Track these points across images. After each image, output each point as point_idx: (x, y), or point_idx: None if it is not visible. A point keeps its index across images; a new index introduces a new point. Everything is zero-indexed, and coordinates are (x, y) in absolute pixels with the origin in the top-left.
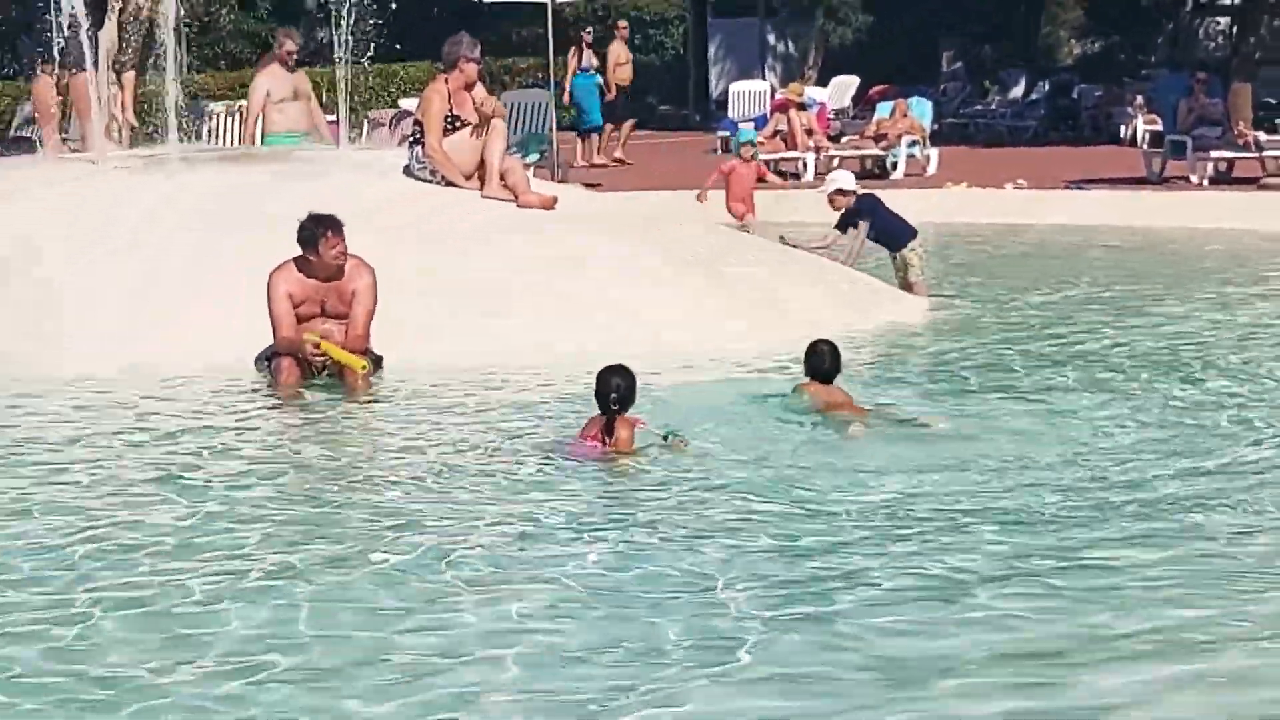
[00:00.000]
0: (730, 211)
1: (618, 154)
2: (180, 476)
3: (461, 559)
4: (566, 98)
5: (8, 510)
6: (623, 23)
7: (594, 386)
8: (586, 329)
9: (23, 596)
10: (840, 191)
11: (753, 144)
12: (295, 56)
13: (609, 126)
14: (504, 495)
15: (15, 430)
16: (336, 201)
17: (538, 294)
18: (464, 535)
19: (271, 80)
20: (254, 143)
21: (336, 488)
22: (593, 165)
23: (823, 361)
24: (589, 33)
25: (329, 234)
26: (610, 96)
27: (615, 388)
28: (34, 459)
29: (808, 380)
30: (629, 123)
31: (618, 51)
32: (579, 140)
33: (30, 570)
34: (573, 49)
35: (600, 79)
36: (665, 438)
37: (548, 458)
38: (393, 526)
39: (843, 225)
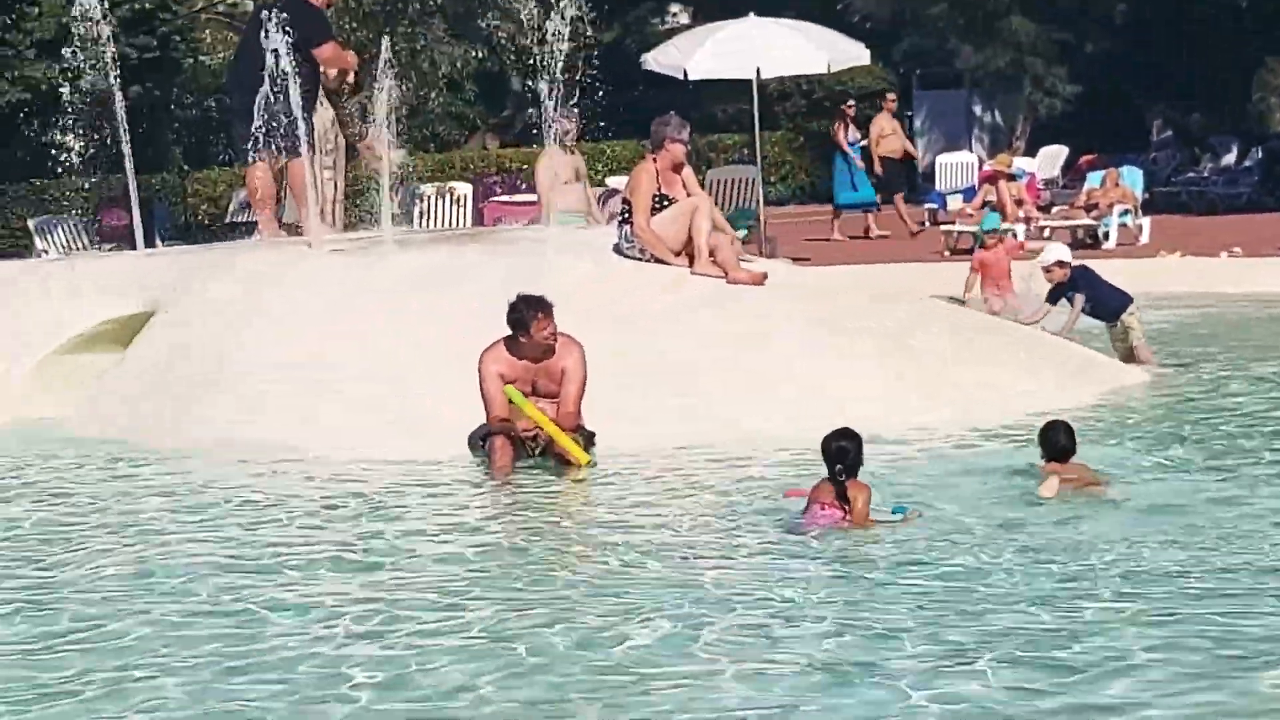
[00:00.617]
0: (986, 300)
1: (913, 226)
2: (403, 555)
3: (720, 638)
4: (872, 165)
5: (245, 583)
6: (890, 95)
7: (820, 453)
8: (786, 405)
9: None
10: (1059, 263)
11: (996, 231)
12: (573, 136)
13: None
14: (748, 569)
15: (228, 505)
16: (542, 281)
17: (729, 370)
18: (717, 613)
19: (553, 160)
20: (547, 223)
21: (573, 568)
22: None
23: (1058, 440)
24: (852, 106)
25: (539, 316)
26: (878, 170)
27: (842, 453)
28: (255, 533)
29: (1046, 463)
30: (899, 195)
31: (882, 124)
32: (832, 214)
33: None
34: (837, 122)
35: (858, 152)
36: (893, 512)
37: (782, 529)
38: (640, 606)
39: (1053, 297)
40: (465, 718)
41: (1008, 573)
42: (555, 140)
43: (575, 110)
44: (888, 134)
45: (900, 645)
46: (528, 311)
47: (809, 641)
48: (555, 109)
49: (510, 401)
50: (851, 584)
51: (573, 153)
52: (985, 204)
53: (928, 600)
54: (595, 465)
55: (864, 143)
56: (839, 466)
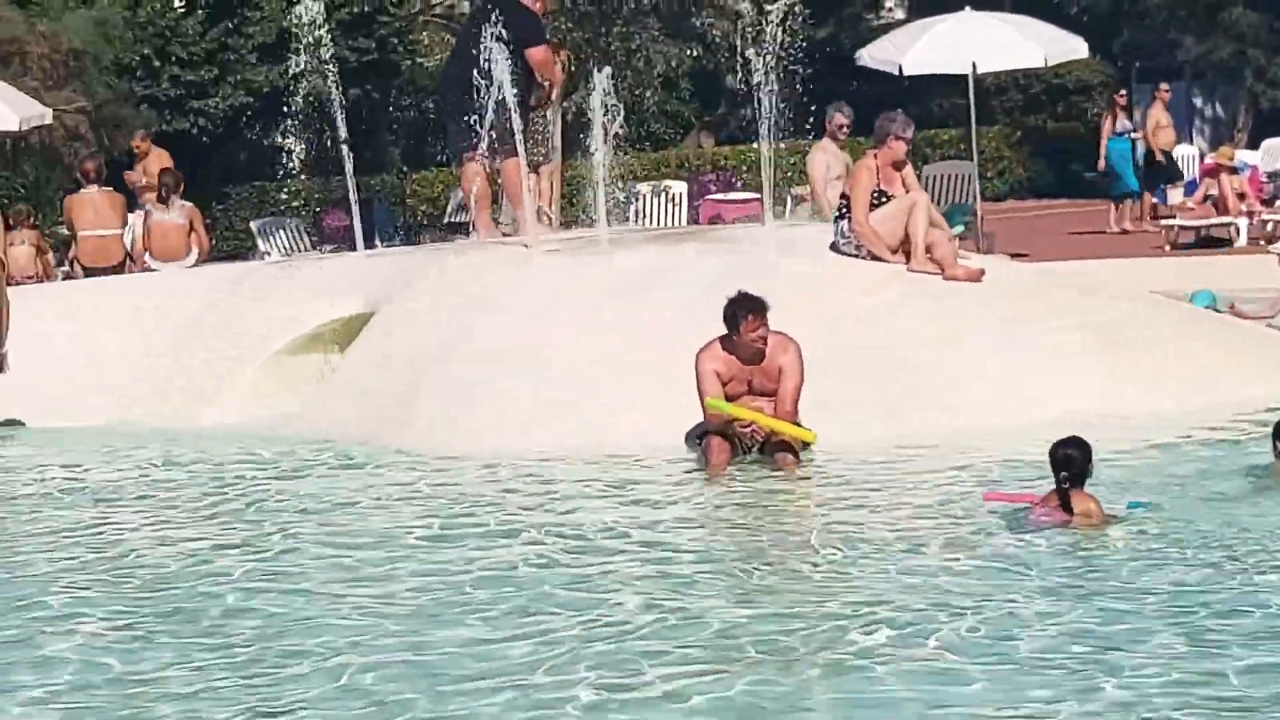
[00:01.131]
0: None
1: (1145, 225)
2: (618, 558)
3: (950, 639)
4: (1101, 163)
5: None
6: (1164, 85)
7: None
8: (998, 400)
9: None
10: None
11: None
12: (846, 131)
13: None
14: (972, 569)
15: (456, 505)
16: (758, 279)
17: (943, 367)
18: (944, 616)
19: (827, 155)
20: (827, 216)
21: (796, 567)
22: (1123, 232)
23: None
24: (1124, 95)
25: (749, 316)
26: (1159, 160)
27: (1065, 460)
28: (471, 531)
29: None
30: (1171, 187)
31: (1157, 115)
32: (1111, 206)
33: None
34: (1106, 112)
35: (1133, 142)
36: (1129, 508)
37: (1009, 530)
38: (869, 606)
39: None
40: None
41: (1243, 572)
42: (830, 135)
43: (845, 103)
44: (1164, 125)
45: (1141, 646)
46: (739, 311)
47: (1048, 641)
48: (773, 107)
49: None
50: (1084, 583)
51: (844, 148)
52: (1207, 198)
53: (1165, 601)
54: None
55: (1136, 135)
56: (1064, 474)
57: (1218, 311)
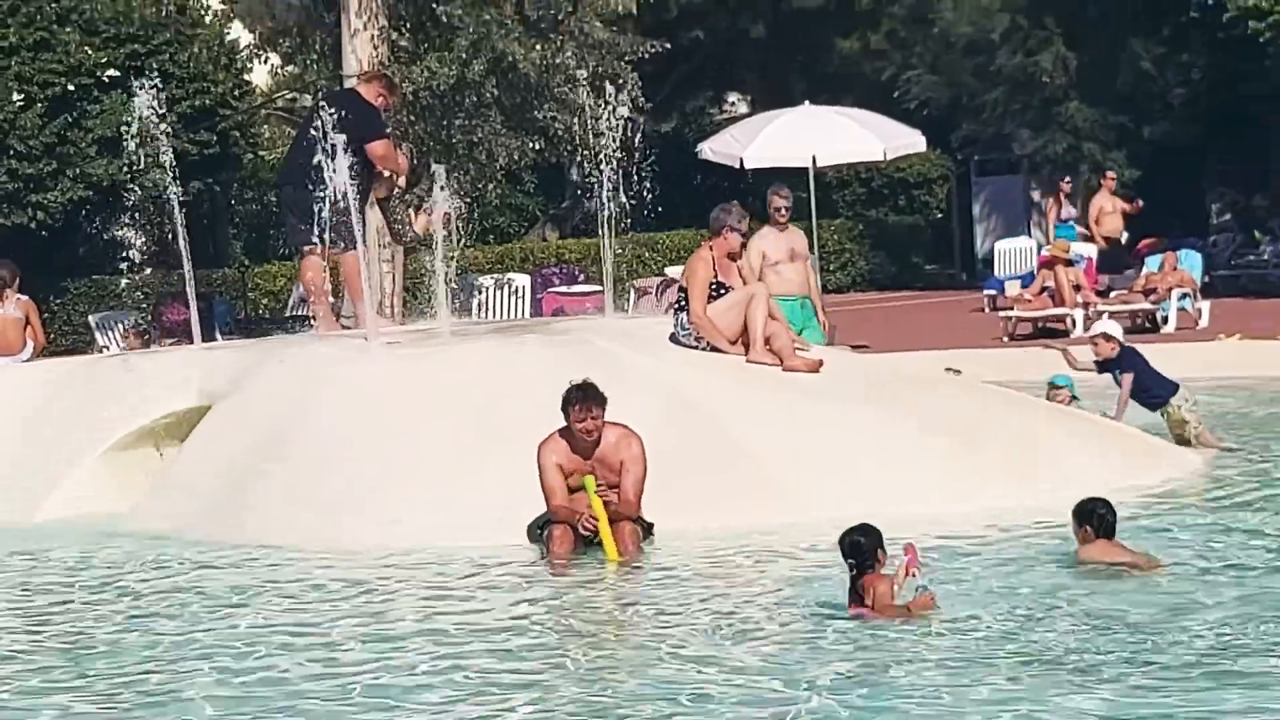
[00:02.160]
0: None
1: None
2: (449, 647)
3: None
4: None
5: (296, 686)
6: (1110, 173)
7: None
8: (844, 490)
9: None
10: (1106, 336)
11: (1061, 387)
12: (786, 212)
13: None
14: (784, 664)
15: (287, 602)
16: (599, 369)
17: (784, 458)
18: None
19: (765, 241)
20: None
21: (616, 665)
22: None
23: (1098, 517)
24: (1068, 182)
25: (576, 406)
26: (1101, 246)
27: (848, 547)
28: (301, 631)
29: (1088, 539)
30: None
31: (1101, 202)
32: None
33: None
34: (1051, 200)
35: (1080, 230)
36: (916, 590)
37: (815, 623)
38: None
39: (1101, 370)
40: None
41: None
42: (770, 220)
43: (784, 186)
44: (1109, 212)
45: None
46: (568, 400)
47: None
48: (615, 201)
49: (583, 488)
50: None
51: (784, 230)
52: (1043, 289)
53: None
54: (641, 540)
55: (1073, 221)
56: (851, 562)
57: (1075, 397)
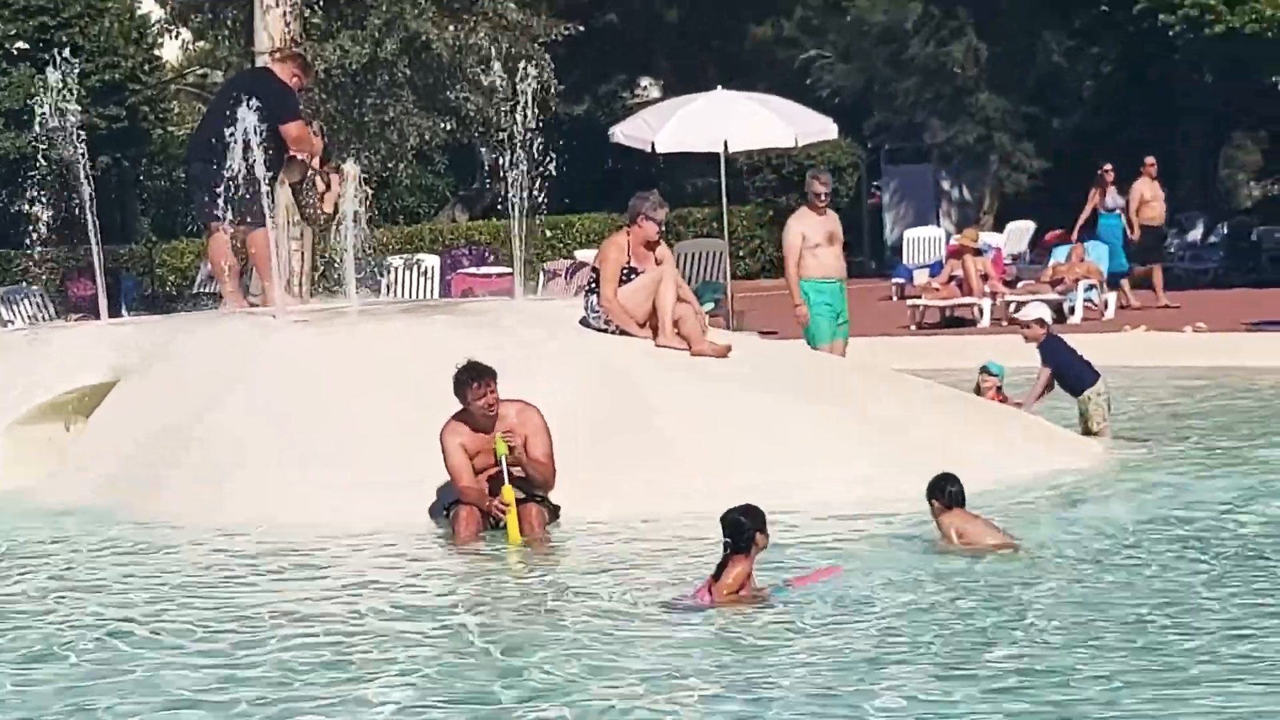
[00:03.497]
0: None
1: (1163, 301)
2: (359, 629)
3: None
4: (1074, 235)
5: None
6: (1149, 159)
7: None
8: (748, 476)
9: None
10: (1039, 321)
11: (994, 375)
12: (825, 198)
13: (1136, 269)
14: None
15: (199, 582)
16: (507, 352)
17: (690, 442)
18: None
19: (803, 223)
20: (795, 288)
21: (538, 637)
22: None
23: (947, 492)
24: (1109, 170)
25: (474, 384)
26: (1135, 237)
27: (729, 525)
28: (218, 610)
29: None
30: (1158, 265)
31: (1143, 189)
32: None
33: None
34: (1094, 188)
35: (1125, 219)
36: (775, 593)
37: (668, 608)
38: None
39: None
40: None
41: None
42: (809, 204)
43: (826, 171)
44: (1149, 199)
45: None
46: (465, 380)
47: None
48: (526, 183)
49: (490, 468)
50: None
51: (823, 214)
52: (951, 278)
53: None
54: (547, 523)
55: (1119, 211)
56: (728, 540)
57: (1001, 388)
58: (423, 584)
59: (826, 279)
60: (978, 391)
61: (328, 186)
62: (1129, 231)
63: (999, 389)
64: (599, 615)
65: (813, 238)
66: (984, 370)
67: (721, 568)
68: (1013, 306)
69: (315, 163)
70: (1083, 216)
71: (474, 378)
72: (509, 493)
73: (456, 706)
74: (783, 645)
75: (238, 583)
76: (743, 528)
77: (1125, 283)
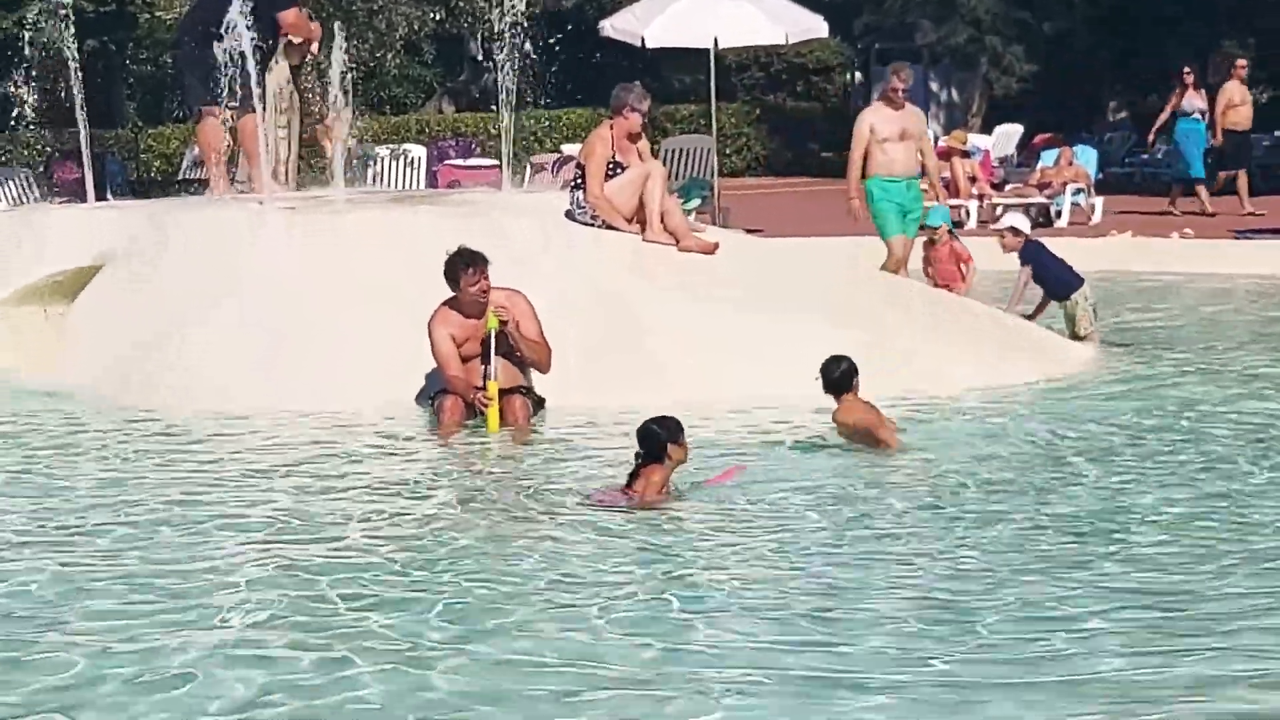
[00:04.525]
0: None
1: (1247, 209)
2: (340, 517)
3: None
4: (1152, 137)
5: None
6: (1241, 60)
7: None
8: (728, 372)
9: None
10: (1013, 230)
11: (937, 226)
12: (902, 93)
13: (1221, 175)
14: (539, 540)
15: (184, 466)
16: (494, 244)
17: (674, 336)
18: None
19: (875, 115)
20: (855, 185)
21: (515, 528)
22: (1203, 214)
23: (832, 371)
24: (1189, 73)
25: (469, 270)
26: (1216, 142)
27: (641, 434)
28: (192, 495)
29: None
30: (1243, 172)
31: (1232, 92)
32: (1175, 189)
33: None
34: (1176, 92)
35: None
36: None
37: (582, 505)
38: (554, 565)
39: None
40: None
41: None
42: (884, 97)
43: (907, 66)
44: (1237, 103)
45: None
46: (458, 265)
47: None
48: (513, 75)
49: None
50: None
51: (900, 109)
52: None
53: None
54: (531, 415)
55: (1198, 115)
56: (639, 451)
57: (951, 229)
58: (391, 468)
59: (892, 177)
60: (928, 264)
61: (327, 138)
62: (1211, 137)
63: (950, 231)
64: (552, 507)
65: (882, 132)
66: (927, 226)
67: (633, 477)
68: (999, 210)
69: (315, 48)
70: (1160, 119)
71: (468, 263)
72: (493, 387)
73: (397, 581)
74: (703, 540)
75: (216, 465)
76: (655, 436)
77: (1202, 189)
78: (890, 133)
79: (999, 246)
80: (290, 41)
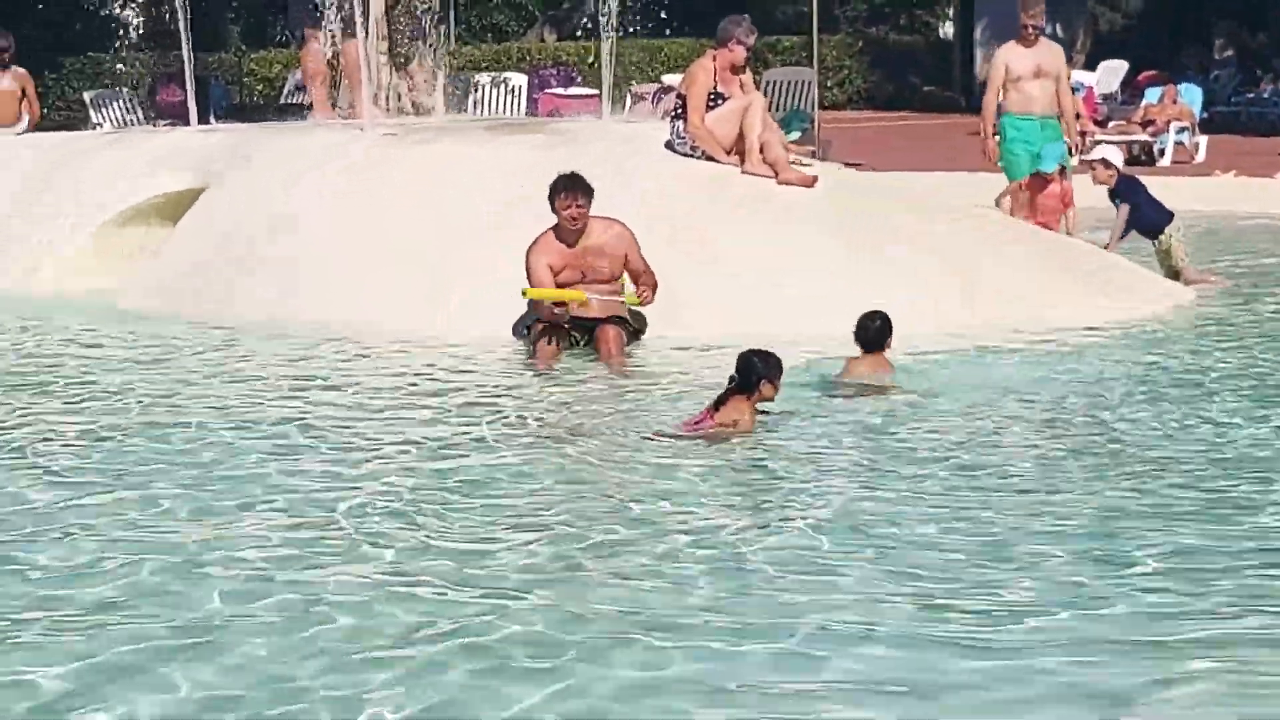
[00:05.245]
0: None
1: None
2: (435, 443)
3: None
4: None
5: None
6: None
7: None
8: (821, 306)
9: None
10: (1104, 162)
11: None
12: (1032, 31)
13: None
14: (621, 472)
15: (263, 382)
16: (596, 173)
17: (770, 268)
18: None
19: (1009, 54)
20: (990, 123)
21: (617, 459)
22: None
23: (866, 332)
24: None
25: (562, 194)
26: None
27: (741, 362)
28: (310, 422)
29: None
30: None
31: None
32: None
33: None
34: None
35: None
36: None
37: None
38: (659, 498)
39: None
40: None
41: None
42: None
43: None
44: None
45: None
46: (556, 187)
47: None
48: (616, 4)
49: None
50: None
51: (1032, 45)
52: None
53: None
54: (625, 343)
55: None
56: (733, 375)
57: (1064, 168)
58: (482, 397)
59: (1025, 114)
60: (1021, 206)
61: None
62: None
63: (1063, 170)
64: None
65: (1015, 70)
66: (1037, 173)
67: (720, 402)
68: (1100, 144)
69: None
70: None
71: (564, 187)
72: (554, 293)
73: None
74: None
75: (312, 386)
76: (753, 368)
77: None
78: (1024, 70)
79: (1091, 179)
80: None
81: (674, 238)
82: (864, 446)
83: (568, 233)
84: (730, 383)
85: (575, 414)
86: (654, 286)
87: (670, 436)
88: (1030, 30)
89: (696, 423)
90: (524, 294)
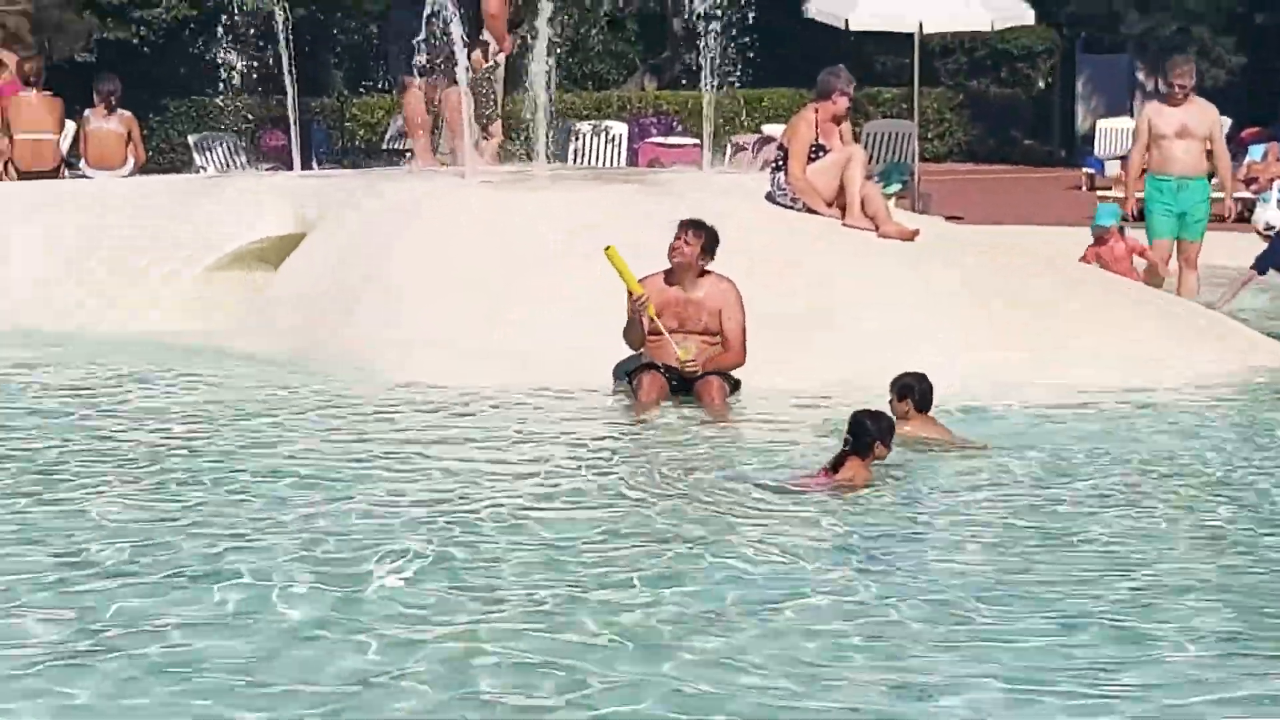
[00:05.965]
0: None
1: None
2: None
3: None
4: None
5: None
6: None
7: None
8: (918, 360)
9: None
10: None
11: (1110, 226)
12: (1180, 90)
13: None
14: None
15: (375, 440)
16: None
17: (869, 322)
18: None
19: (1155, 113)
20: (1133, 182)
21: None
22: None
23: (911, 392)
24: None
25: (680, 231)
26: None
27: (853, 424)
28: (391, 466)
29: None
30: None
31: None
32: None
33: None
34: None
35: None
36: None
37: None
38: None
39: (1260, 266)
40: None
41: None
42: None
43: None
44: None
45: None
46: (680, 223)
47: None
48: (717, 54)
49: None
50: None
51: (1178, 105)
52: (1145, 171)
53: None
54: (728, 395)
55: None
56: (848, 437)
57: (1121, 226)
58: (585, 443)
59: (1164, 175)
60: (1096, 259)
61: (487, 137)
62: None
63: (1120, 229)
64: (740, 487)
65: (1159, 128)
66: (1097, 225)
67: (838, 464)
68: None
69: (500, 57)
70: None
71: (684, 223)
72: (630, 278)
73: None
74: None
75: (407, 431)
76: (866, 431)
77: None
78: (1166, 130)
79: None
80: (484, 38)
81: (773, 288)
82: (998, 505)
83: (673, 273)
84: (845, 445)
85: (680, 462)
86: (729, 364)
87: (793, 491)
88: (1177, 89)
89: (813, 482)
90: (606, 250)
